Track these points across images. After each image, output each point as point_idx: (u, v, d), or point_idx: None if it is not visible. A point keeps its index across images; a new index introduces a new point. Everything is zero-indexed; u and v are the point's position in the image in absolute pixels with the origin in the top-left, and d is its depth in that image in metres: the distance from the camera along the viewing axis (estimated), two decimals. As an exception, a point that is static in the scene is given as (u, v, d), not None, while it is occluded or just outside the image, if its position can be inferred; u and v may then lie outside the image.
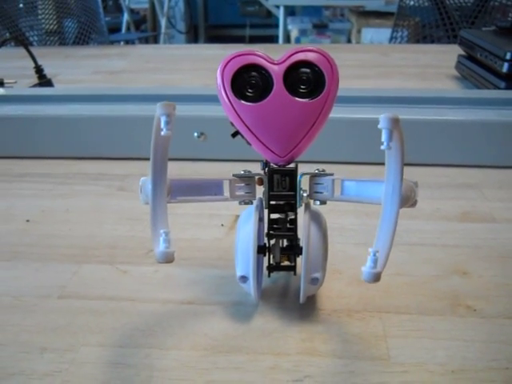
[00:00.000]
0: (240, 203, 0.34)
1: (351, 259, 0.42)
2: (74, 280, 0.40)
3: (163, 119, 0.28)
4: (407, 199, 0.30)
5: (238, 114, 0.32)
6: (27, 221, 0.49)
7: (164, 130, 0.28)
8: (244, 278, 0.34)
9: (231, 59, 0.31)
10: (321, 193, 0.33)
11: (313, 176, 0.33)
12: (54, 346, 0.33)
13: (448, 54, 1.04)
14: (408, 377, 0.31)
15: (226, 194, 0.34)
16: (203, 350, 0.33)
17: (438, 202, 0.51)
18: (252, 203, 0.35)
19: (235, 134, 0.33)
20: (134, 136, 0.61)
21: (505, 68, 0.75)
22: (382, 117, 0.27)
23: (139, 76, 1.04)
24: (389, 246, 0.29)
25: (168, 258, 0.29)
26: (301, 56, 0.31)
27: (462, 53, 0.95)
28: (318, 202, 0.34)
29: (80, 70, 1.09)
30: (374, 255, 0.28)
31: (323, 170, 0.33)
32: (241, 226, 0.35)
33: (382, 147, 0.28)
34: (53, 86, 0.87)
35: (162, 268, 0.41)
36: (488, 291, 0.38)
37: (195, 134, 0.60)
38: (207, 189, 0.33)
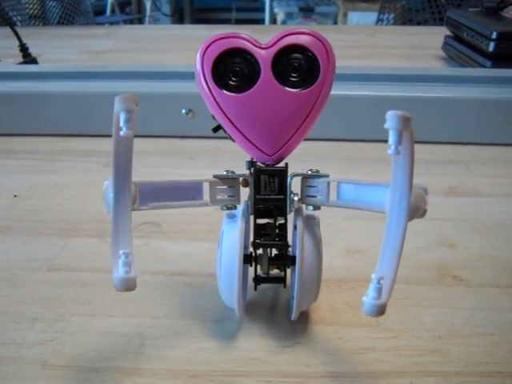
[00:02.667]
0: (222, 208, 0.30)
1: (340, 232, 0.43)
2: (63, 253, 0.40)
3: (122, 116, 0.23)
4: (416, 210, 0.26)
5: (219, 106, 0.28)
6: (15, 196, 0.49)
7: (124, 129, 0.23)
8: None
9: (212, 42, 0.27)
10: (314, 197, 0.29)
11: (305, 178, 0.29)
12: (44, 316, 0.33)
13: (434, 36, 1.04)
14: (396, 342, 0.31)
15: (206, 197, 0.29)
16: (193, 319, 0.33)
17: (425, 177, 0.52)
18: (235, 208, 0.30)
19: (217, 128, 0.30)
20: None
21: (491, 47, 0.76)
22: (390, 114, 0.22)
23: (125, 56, 1.03)
24: (395, 269, 0.24)
25: (128, 286, 0.24)
26: (292, 39, 0.27)
27: (449, 34, 0.95)
28: (310, 207, 0.29)
29: (65, 49, 1.08)
30: (378, 283, 0.23)
31: (317, 171, 0.29)
32: (224, 237, 0.30)
33: (390, 152, 0.22)
34: (38, 65, 0.86)
35: (151, 241, 0.42)
36: (474, 262, 0.39)
37: (183, 111, 0.60)
38: (184, 192, 0.29)
